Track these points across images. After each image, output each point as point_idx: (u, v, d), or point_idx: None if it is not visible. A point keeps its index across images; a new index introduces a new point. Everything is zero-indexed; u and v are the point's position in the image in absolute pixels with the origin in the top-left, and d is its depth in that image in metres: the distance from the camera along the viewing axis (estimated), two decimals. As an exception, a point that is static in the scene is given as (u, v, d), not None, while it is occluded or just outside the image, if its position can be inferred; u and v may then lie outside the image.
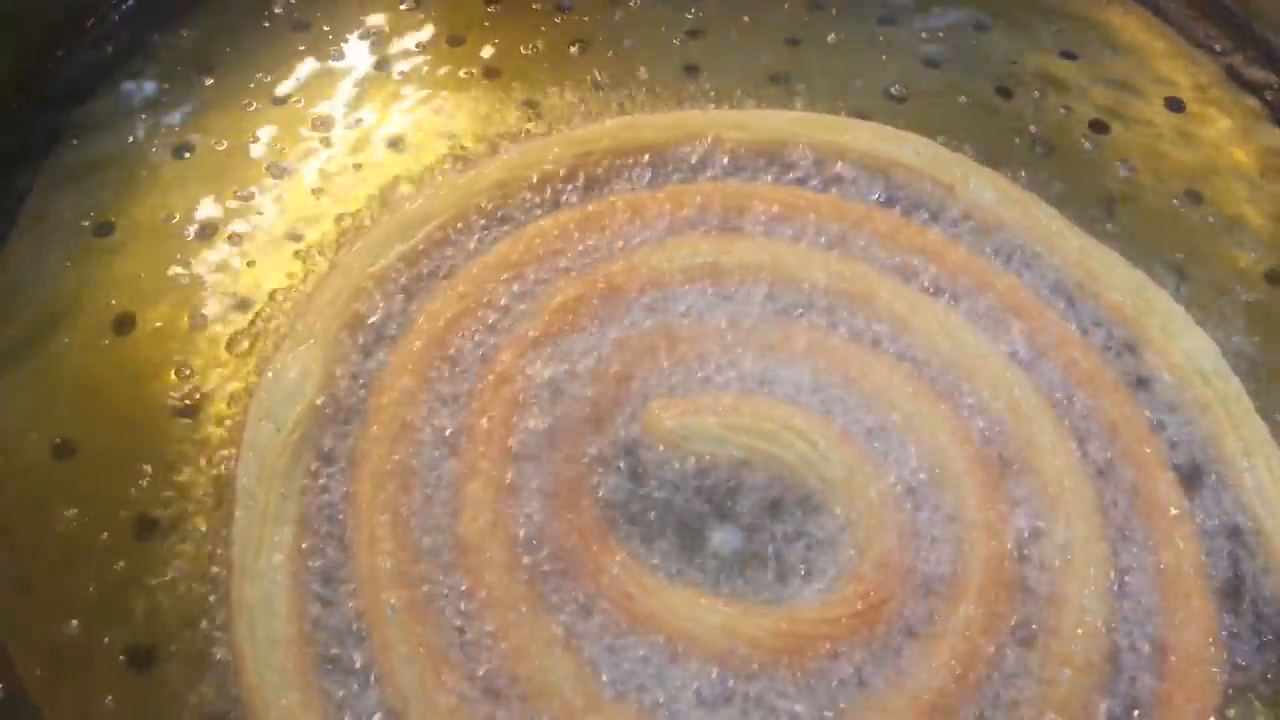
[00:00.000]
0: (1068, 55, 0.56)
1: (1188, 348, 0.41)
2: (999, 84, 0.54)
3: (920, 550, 0.38)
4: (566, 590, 0.37)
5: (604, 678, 0.36)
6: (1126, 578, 0.37)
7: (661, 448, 0.41)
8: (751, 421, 0.41)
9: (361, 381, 0.43)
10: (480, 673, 0.35)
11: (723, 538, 0.39)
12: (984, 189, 0.46)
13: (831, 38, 0.55)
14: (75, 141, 0.49)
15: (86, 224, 0.47)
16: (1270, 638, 0.37)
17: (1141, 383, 0.42)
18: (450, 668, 0.35)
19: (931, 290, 0.44)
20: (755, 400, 0.42)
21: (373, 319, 0.45)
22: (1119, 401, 0.41)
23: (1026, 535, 0.38)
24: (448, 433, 0.41)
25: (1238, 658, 0.36)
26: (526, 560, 0.38)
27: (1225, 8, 0.56)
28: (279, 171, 0.49)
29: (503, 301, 0.45)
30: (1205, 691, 0.35)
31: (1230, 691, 0.35)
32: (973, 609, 0.36)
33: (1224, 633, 0.36)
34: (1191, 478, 0.40)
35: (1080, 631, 0.36)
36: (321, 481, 0.40)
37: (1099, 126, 0.53)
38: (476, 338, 0.44)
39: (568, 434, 0.41)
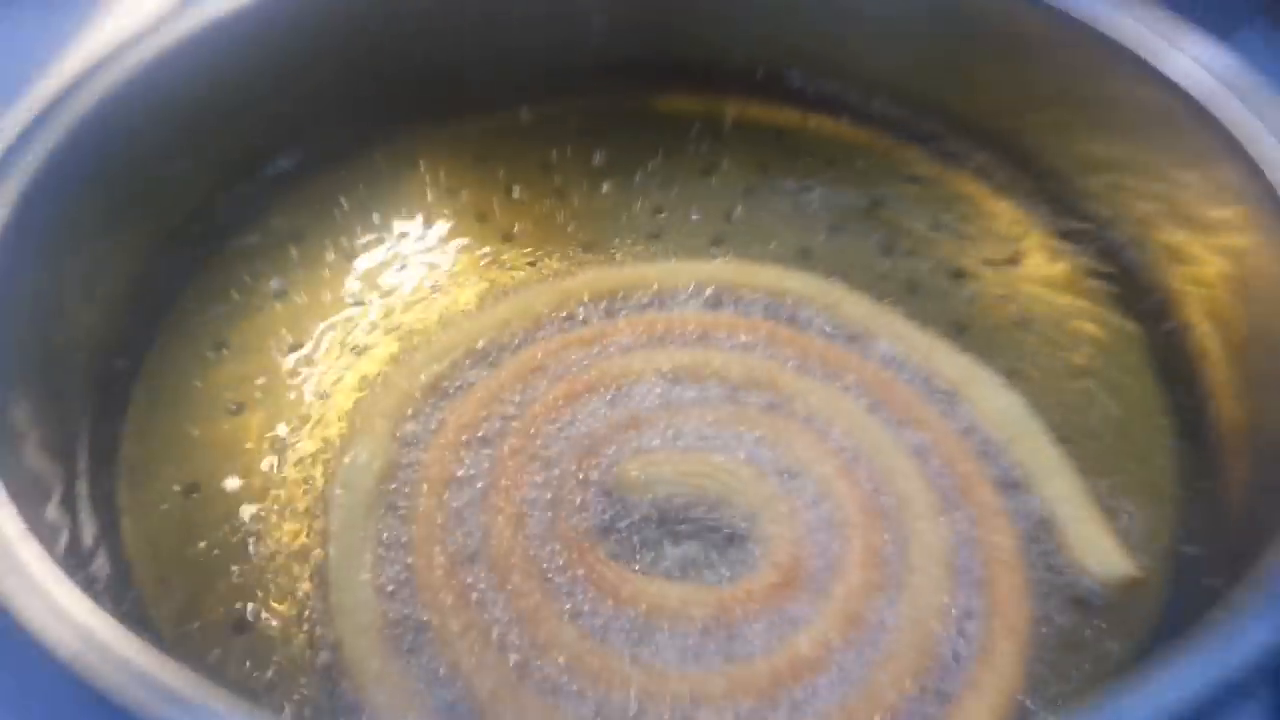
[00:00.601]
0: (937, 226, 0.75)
1: (1000, 406, 0.59)
2: (884, 244, 0.73)
3: (814, 547, 0.53)
4: (570, 585, 0.52)
5: (600, 639, 0.50)
6: (959, 560, 0.53)
7: (631, 492, 0.57)
8: (694, 469, 0.57)
9: (413, 459, 0.59)
10: (500, 619, 0.51)
11: (678, 549, 0.55)
12: (859, 306, 0.65)
13: (757, 214, 0.75)
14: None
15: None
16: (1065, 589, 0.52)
17: (967, 431, 0.58)
18: (483, 635, 0.50)
19: (821, 376, 0.61)
20: (696, 455, 0.58)
21: (419, 416, 0.62)
22: (958, 449, 0.57)
23: (888, 536, 0.54)
24: (478, 486, 0.57)
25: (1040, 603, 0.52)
26: (539, 566, 0.53)
27: (1052, 189, 0.76)
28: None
29: (515, 400, 0.62)
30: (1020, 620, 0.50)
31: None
32: (851, 583, 0.51)
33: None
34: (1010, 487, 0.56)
35: (927, 591, 0.51)
36: (389, 524, 0.56)
37: (957, 273, 0.71)
38: (497, 423, 0.60)
39: (564, 485, 0.57)
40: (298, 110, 0.75)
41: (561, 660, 0.50)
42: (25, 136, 0.58)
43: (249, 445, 0.60)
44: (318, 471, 0.59)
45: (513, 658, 0.50)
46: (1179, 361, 0.64)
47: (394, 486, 0.58)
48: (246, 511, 0.57)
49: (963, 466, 0.57)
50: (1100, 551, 0.54)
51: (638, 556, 0.55)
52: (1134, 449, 0.60)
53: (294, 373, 0.64)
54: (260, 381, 0.64)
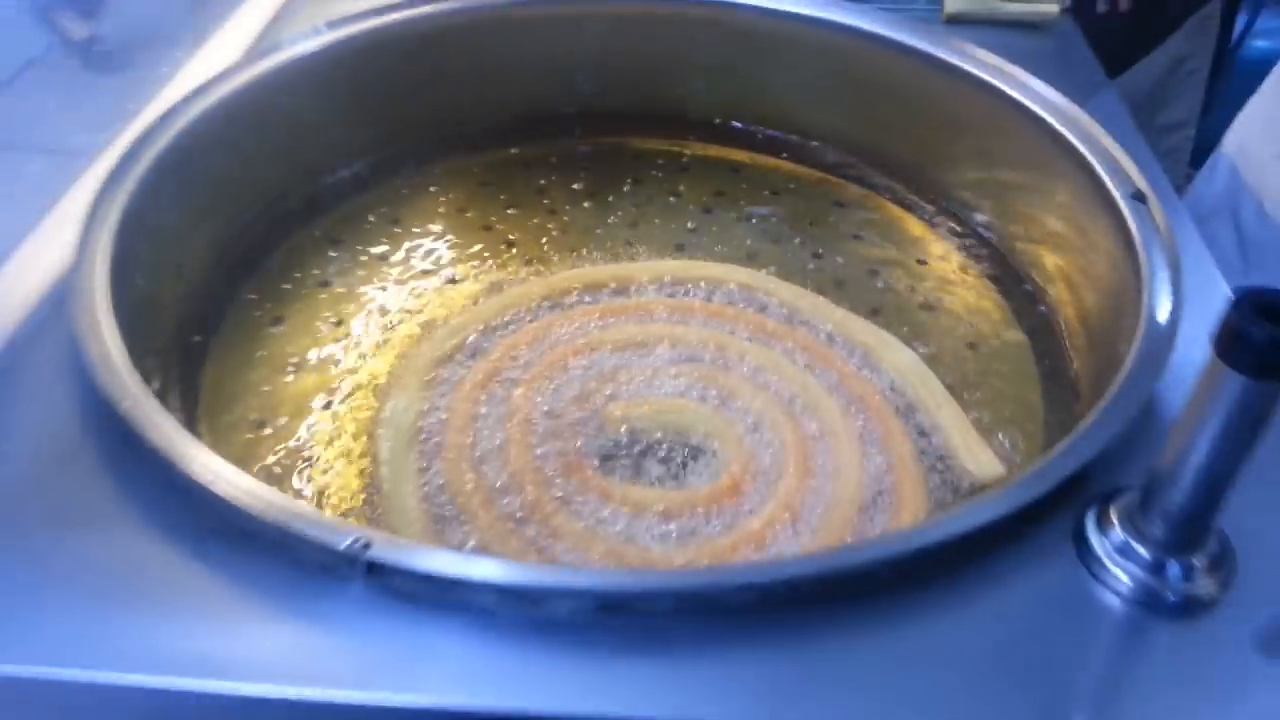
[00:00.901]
0: (857, 237, 0.92)
1: (902, 360, 0.75)
2: (814, 251, 0.90)
3: (759, 460, 0.68)
4: (566, 485, 0.65)
5: (592, 525, 0.63)
6: (871, 465, 0.67)
7: (615, 426, 0.71)
8: (663, 408, 0.71)
9: (439, 405, 0.73)
10: (518, 516, 0.63)
11: (654, 466, 0.69)
12: (792, 292, 0.81)
13: (713, 227, 0.92)
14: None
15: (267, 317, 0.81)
16: (951, 484, 0.67)
17: (875, 376, 0.75)
18: (498, 508, 0.64)
19: (761, 343, 0.77)
20: (664, 399, 0.73)
21: (443, 375, 0.76)
22: (868, 389, 0.73)
23: (816, 451, 0.69)
24: (493, 420, 0.71)
25: (933, 494, 0.67)
26: (543, 472, 0.66)
27: (947, 207, 0.94)
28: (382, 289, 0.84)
29: (518, 363, 0.77)
30: (918, 506, 0.65)
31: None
32: (789, 483, 0.65)
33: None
34: (907, 414, 0.72)
35: (849, 493, 0.65)
36: (425, 451, 0.69)
37: (872, 271, 0.88)
38: (505, 380, 0.75)
39: (562, 421, 0.70)
40: (332, 144, 0.93)
41: (564, 542, 0.63)
42: (135, 148, 0.74)
43: (305, 393, 0.75)
44: (364, 413, 0.73)
45: (527, 533, 0.63)
46: (1044, 328, 0.81)
47: (427, 422, 0.71)
48: (305, 435, 0.71)
49: (872, 400, 0.73)
50: (978, 458, 0.69)
51: (620, 471, 0.69)
52: (1010, 391, 0.76)
53: (338, 342, 0.79)
54: (311, 349, 0.79)
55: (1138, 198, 0.74)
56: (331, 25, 0.89)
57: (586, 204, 0.94)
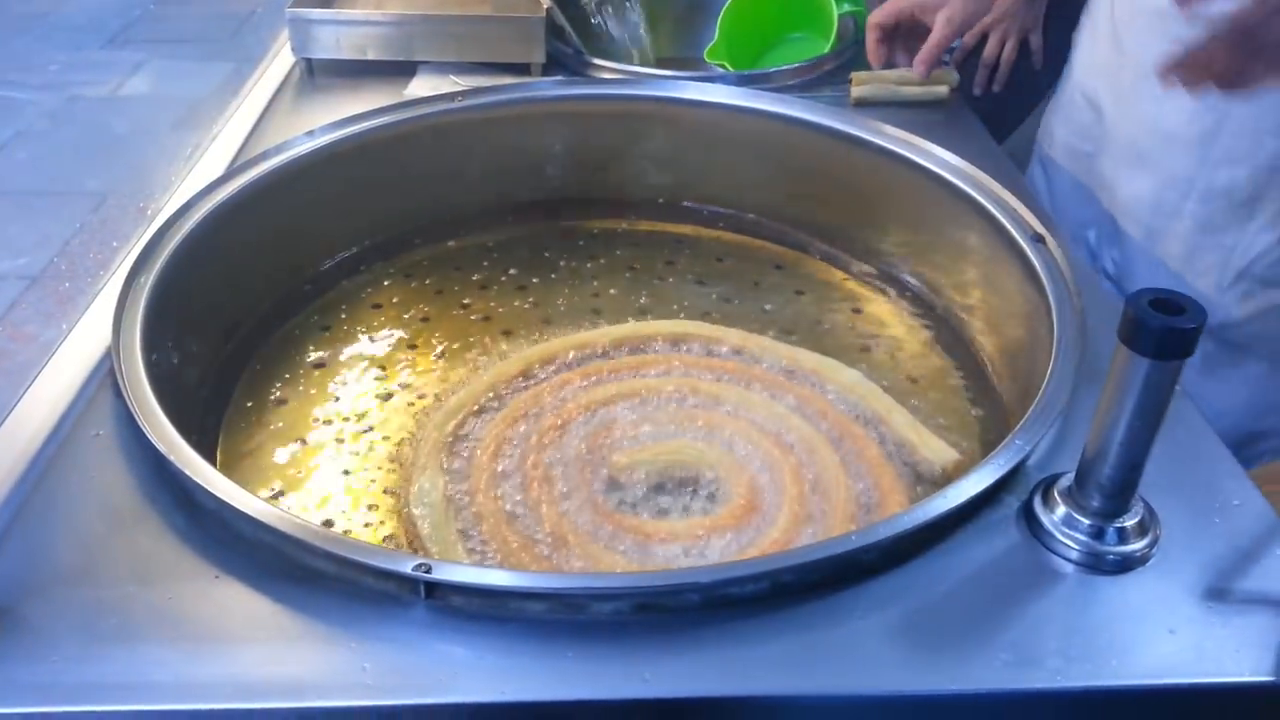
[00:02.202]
0: (799, 293, 1.03)
1: (848, 379, 0.85)
2: (761, 307, 1.01)
3: (760, 482, 0.75)
4: (603, 530, 0.70)
5: (641, 559, 0.68)
6: (852, 471, 0.76)
7: (623, 473, 0.76)
8: (663, 450, 0.78)
9: (460, 477, 0.75)
10: (574, 566, 0.68)
11: (670, 500, 0.75)
12: (746, 339, 0.91)
13: (669, 294, 1.02)
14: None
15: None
16: (919, 474, 0.77)
17: (833, 397, 0.84)
18: (552, 561, 0.69)
19: (730, 382, 0.86)
20: (661, 443, 0.79)
21: (455, 451, 0.81)
22: (829, 408, 0.83)
23: (804, 465, 0.77)
24: (515, 484, 0.75)
25: (908, 485, 0.76)
26: (576, 522, 0.71)
27: (875, 262, 1.06)
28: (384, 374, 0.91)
29: (519, 433, 0.83)
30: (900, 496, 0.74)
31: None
32: (791, 496, 0.73)
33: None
34: (867, 423, 0.81)
35: (842, 493, 0.74)
36: (462, 519, 0.72)
37: (816, 321, 0.99)
38: (510, 458, 0.79)
39: (578, 476, 0.75)
40: (320, 238, 1.00)
41: (579, 561, 0.69)
42: (156, 239, 0.81)
43: (317, 465, 0.81)
44: (374, 481, 0.79)
45: (543, 552, 0.69)
46: (968, 355, 0.93)
47: (455, 494, 0.75)
48: (324, 504, 0.77)
49: (832, 415, 0.82)
50: (935, 448, 0.79)
51: (643, 510, 0.75)
52: (942, 398, 0.88)
53: (336, 418, 0.85)
54: (314, 424, 0.85)
55: (1037, 239, 0.87)
56: (311, 134, 0.98)
57: (554, 282, 1.03)
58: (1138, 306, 0.53)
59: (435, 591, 0.57)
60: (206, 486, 0.61)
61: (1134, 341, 0.54)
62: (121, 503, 0.64)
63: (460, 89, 1.09)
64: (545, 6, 1.16)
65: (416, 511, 0.73)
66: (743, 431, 0.80)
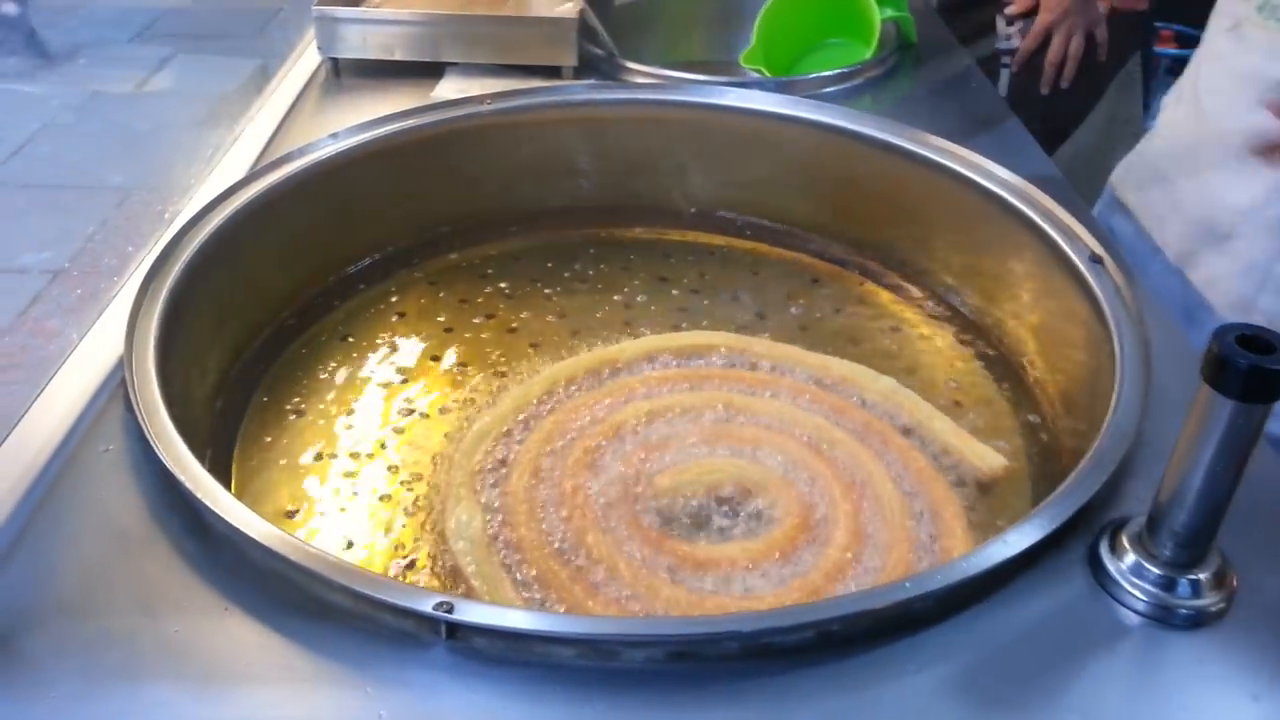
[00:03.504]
0: (837, 310, 0.99)
1: (882, 387, 0.82)
2: (800, 322, 0.97)
3: (811, 499, 0.72)
4: (658, 560, 0.67)
5: (698, 591, 0.65)
6: (904, 485, 0.72)
7: (668, 496, 0.73)
8: (707, 469, 0.74)
9: (496, 508, 0.71)
10: (626, 595, 0.64)
11: (720, 521, 0.72)
12: (780, 350, 0.87)
13: (703, 305, 0.98)
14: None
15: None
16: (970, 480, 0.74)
17: (868, 405, 0.80)
18: (602, 594, 0.65)
19: (766, 396, 0.82)
20: (704, 460, 0.76)
21: (487, 481, 0.75)
22: (868, 417, 0.79)
23: (854, 480, 0.73)
24: (556, 513, 0.70)
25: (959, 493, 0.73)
26: (629, 551, 0.67)
27: (918, 279, 1.01)
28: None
29: (554, 453, 0.77)
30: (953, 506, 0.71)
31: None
32: (848, 512, 0.70)
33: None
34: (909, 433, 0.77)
35: (895, 506, 0.70)
36: (505, 553, 0.68)
37: (854, 339, 0.95)
38: (545, 484, 0.74)
39: (621, 502, 0.72)
40: (340, 245, 0.97)
41: (632, 592, 0.65)
42: (170, 247, 0.78)
43: (332, 482, 0.77)
44: (395, 502, 0.76)
45: (597, 585, 0.65)
46: (1013, 373, 0.89)
47: (495, 525, 0.71)
48: (339, 523, 0.74)
49: (875, 426, 0.79)
50: (982, 455, 0.76)
51: (691, 535, 0.71)
52: (988, 424, 0.83)
53: (353, 430, 0.82)
54: (332, 440, 0.81)
55: (1095, 260, 0.82)
56: (335, 136, 0.95)
57: (582, 292, 0.99)
58: (1224, 343, 0.49)
59: (457, 632, 0.53)
60: (218, 510, 0.58)
61: (1219, 381, 0.50)
62: (129, 525, 0.61)
63: (490, 92, 1.05)
64: (578, 8, 1.13)
65: (457, 547, 0.69)
66: (782, 445, 0.77)
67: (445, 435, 0.82)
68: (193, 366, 0.78)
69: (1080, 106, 1.48)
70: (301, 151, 0.92)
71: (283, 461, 0.79)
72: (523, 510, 0.71)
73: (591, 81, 1.11)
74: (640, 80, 1.13)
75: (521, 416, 0.81)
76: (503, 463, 0.76)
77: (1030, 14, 1.37)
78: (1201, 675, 0.53)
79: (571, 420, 0.80)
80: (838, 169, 1.03)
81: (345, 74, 1.14)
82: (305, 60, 1.16)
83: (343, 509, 0.75)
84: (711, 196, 1.09)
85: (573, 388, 0.85)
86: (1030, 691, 0.52)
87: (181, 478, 0.60)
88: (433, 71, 1.14)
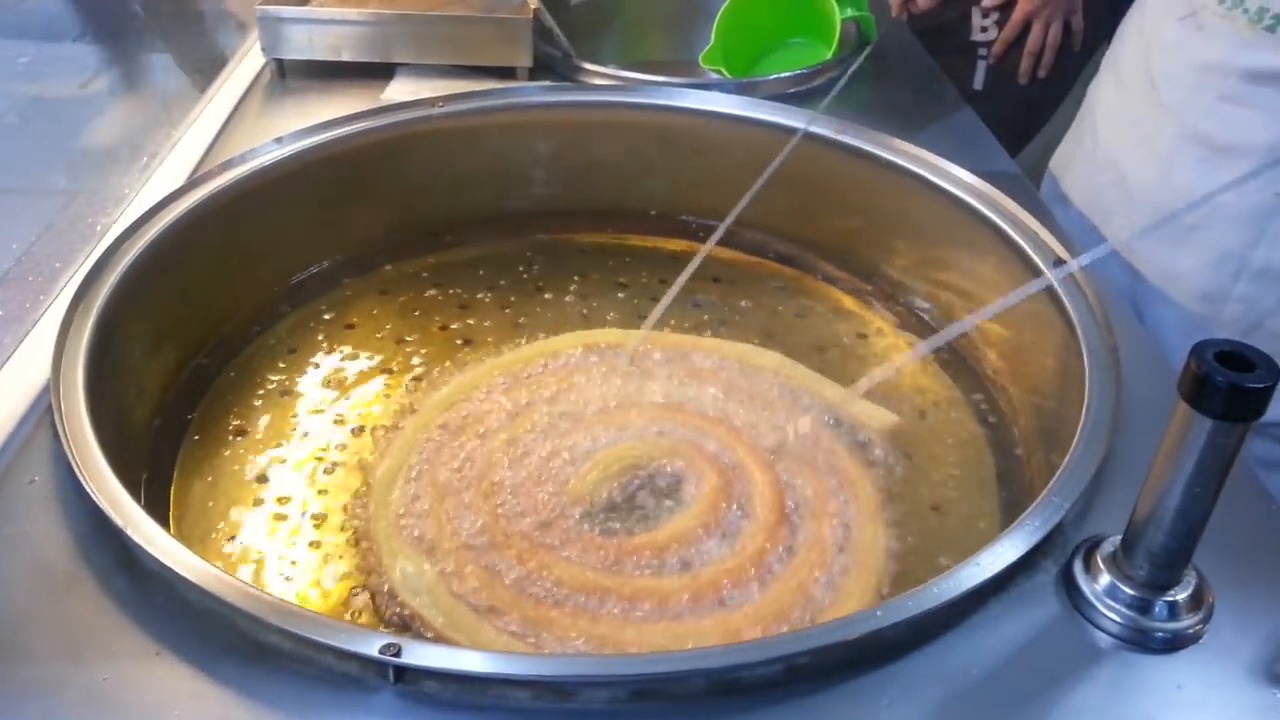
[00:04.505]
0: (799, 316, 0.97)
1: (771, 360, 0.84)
2: (764, 330, 0.94)
3: (730, 474, 0.72)
4: (592, 562, 0.66)
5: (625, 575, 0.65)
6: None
7: (587, 496, 0.72)
8: (617, 457, 0.74)
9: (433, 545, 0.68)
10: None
11: (639, 510, 0.71)
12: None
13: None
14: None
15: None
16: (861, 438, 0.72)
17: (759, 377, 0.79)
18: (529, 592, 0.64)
19: (669, 379, 0.82)
20: (614, 449, 0.75)
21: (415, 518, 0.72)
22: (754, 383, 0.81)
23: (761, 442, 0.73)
24: (490, 547, 0.68)
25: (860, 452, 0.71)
26: (555, 554, 0.67)
27: (881, 286, 1.00)
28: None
29: (466, 487, 0.73)
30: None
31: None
32: (759, 524, 0.68)
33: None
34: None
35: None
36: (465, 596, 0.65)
37: (820, 347, 0.93)
38: (471, 507, 0.71)
39: (547, 517, 0.70)
40: (286, 254, 0.93)
41: (609, 598, 0.64)
42: (101, 262, 0.74)
43: (272, 507, 0.74)
44: (339, 528, 0.73)
45: (568, 603, 0.63)
46: (978, 381, 0.87)
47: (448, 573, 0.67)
48: (279, 547, 0.70)
49: (767, 395, 0.82)
50: (870, 414, 0.80)
51: (620, 525, 0.70)
52: (952, 433, 0.82)
53: (302, 452, 0.78)
54: (275, 460, 0.78)
55: (1059, 263, 0.80)
56: (280, 141, 0.91)
57: (538, 298, 0.96)
58: (1203, 360, 0.47)
59: (406, 676, 0.50)
60: (148, 547, 0.54)
61: (1198, 400, 0.48)
62: (56, 562, 0.57)
63: (442, 94, 1.02)
64: (533, 7, 1.09)
65: (416, 602, 0.64)
66: (683, 420, 0.77)
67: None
68: (128, 386, 0.74)
69: (1055, 97, 1.47)
70: (244, 157, 0.88)
71: (223, 486, 0.75)
72: (459, 551, 0.67)
73: (547, 83, 1.08)
74: (598, 81, 1.10)
75: (418, 456, 0.76)
76: (419, 502, 0.72)
77: (1007, 6, 1.36)
78: (1179, 700, 0.52)
79: (466, 445, 0.76)
80: (800, 172, 1.00)
81: (291, 75, 1.10)
82: (249, 62, 1.11)
83: (287, 542, 0.71)
84: (672, 200, 1.06)
85: (462, 414, 0.80)
86: (997, 715, 0.51)
87: (110, 511, 0.56)
88: (383, 73, 1.11)
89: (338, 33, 1.07)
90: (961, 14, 1.44)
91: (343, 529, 0.72)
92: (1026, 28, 1.37)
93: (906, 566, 0.69)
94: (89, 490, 0.58)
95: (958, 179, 0.91)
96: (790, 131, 0.99)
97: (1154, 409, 0.67)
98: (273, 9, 1.05)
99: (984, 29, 1.43)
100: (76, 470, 0.59)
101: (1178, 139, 0.94)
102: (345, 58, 1.08)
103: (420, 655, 0.49)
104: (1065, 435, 0.67)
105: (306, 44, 1.06)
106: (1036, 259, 0.82)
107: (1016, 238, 0.85)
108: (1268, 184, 0.81)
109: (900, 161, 0.94)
